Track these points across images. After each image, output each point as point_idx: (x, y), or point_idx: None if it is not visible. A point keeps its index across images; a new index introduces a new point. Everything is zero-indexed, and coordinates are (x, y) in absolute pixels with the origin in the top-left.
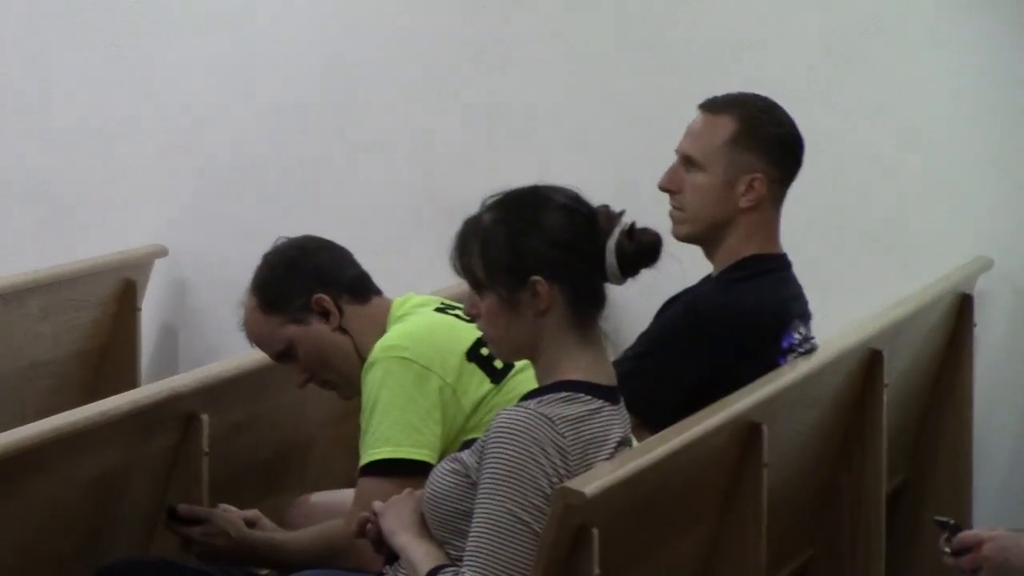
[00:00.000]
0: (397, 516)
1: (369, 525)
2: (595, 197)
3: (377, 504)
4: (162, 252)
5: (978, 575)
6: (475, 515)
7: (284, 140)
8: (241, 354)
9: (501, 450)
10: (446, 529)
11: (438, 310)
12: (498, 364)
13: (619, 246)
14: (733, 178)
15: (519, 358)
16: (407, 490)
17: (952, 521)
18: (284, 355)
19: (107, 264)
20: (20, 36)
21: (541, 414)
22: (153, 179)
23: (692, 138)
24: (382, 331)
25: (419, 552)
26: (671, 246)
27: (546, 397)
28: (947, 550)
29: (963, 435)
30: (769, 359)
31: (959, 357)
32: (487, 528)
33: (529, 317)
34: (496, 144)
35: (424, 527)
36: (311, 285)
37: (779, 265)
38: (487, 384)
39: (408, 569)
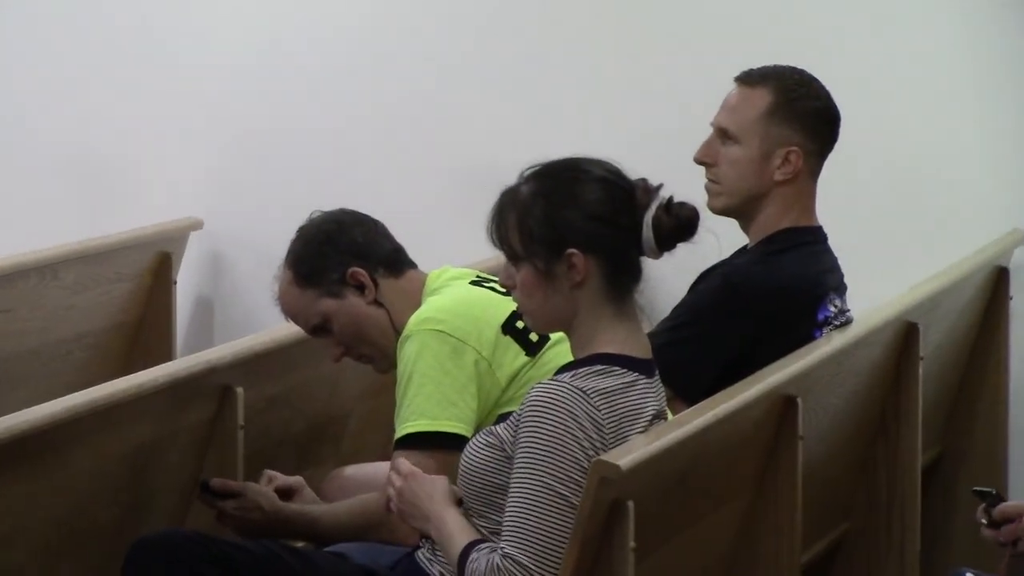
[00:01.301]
0: (416, 510)
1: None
2: (632, 170)
3: (393, 505)
4: (197, 225)
5: (1018, 546)
6: (511, 489)
7: (320, 113)
8: (276, 327)
9: (537, 424)
10: (481, 502)
11: (473, 283)
12: (533, 337)
13: (656, 220)
14: (769, 151)
15: (554, 330)
16: (403, 483)
17: (995, 491)
18: (319, 329)
19: (142, 237)
20: (58, 11)
21: (576, 387)
22: (188, 152)
23: (728, 111)
24: (417, 304)
25: (450, 528)
26: (707, 219)
27: (581, 370)
28: (984, 521)
29: (999, 408)
30: (804, 332)
31: (995, 329)
32: (524, 502)
33: (565, 290)
34: (534, 115)
35: (447, 505)
36: (346, 259)
37: (815, 238)
38: (522, 357)
39: (443, 551)
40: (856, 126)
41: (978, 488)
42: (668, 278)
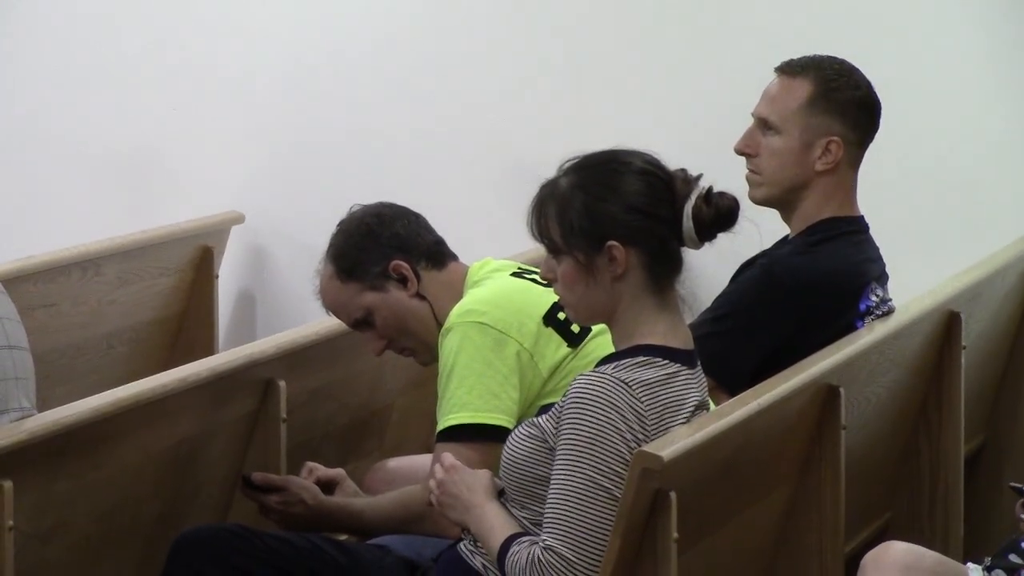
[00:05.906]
0: (456, 502)
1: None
2: (672, 161)
3: (434, 498)
4: (239, 219)
5: None
6: (554, 481)
7: (361, 106)
8: (319, 320)
9: (579, 416)
10: (523, 494)
11: (515, 274)
12: (575, 328)
13: (696, 210)
14: (810, 141)
15: (596, 322)
16: (444, 475)
17: None
18: (361, 323)
19: (184, 231)
20: (99, 6)
21: (618, 379)
22: (230, 146)
23: (768, 101)
24: (459, 296)
25: (491, 521)
26: (747, 209)
27: (623, 362)
28: (1023, 516)
29: None
30: (846, 322)
31: None
32: (567, 495)
33: (606, 282)
34: (574, 107)
35: (488, 498)
36: (388, 252)
37: (856, 227)
38: (564, 348)
39: (483, 544)
40: (898, 115)
41: (1015, 484)
42: (710, 269)
